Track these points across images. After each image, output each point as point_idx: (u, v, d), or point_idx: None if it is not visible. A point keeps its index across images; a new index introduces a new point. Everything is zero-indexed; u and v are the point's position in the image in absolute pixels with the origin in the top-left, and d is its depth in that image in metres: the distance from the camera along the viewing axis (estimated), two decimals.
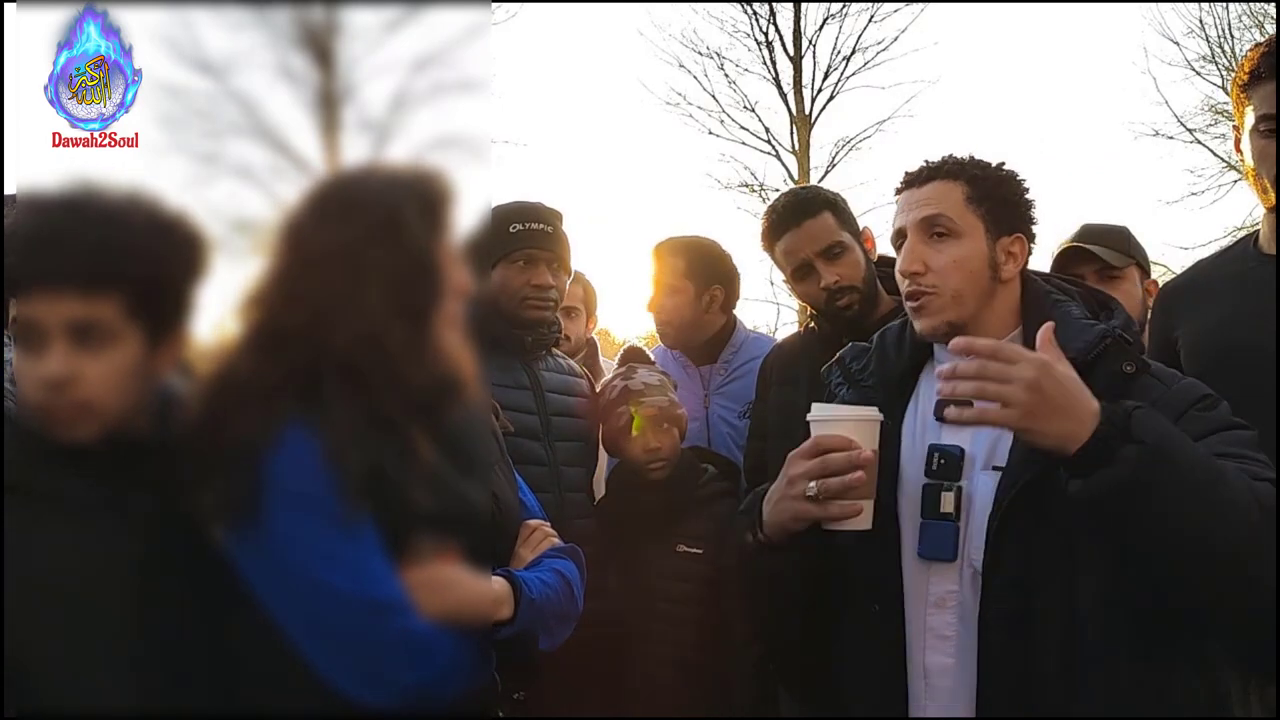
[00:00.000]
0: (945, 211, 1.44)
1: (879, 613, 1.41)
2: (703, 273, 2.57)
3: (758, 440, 2.28)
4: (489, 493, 1.37)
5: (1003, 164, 1.52)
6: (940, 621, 1.39)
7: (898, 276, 1.48)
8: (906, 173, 1.52)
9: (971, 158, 1.51)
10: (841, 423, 1.37)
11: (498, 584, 1.28)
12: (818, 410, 1.41)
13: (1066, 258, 2.32)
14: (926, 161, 1.52)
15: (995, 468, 1.38)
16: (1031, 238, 1.50)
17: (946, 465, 1.41)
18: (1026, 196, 1.51)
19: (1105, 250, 2.29)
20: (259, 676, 1.18)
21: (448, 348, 1.25)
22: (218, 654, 1.18)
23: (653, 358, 2.58)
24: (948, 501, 1.39)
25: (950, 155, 1.51)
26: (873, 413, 1.39)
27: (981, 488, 1.39)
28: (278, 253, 1.22)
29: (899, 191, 1.52)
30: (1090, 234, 2.40)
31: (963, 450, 1.41)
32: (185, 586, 1.18)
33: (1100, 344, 1.37)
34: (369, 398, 1.17)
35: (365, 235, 1.19)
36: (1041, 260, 2.50)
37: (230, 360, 1.21)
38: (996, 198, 1.47)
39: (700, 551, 2.10)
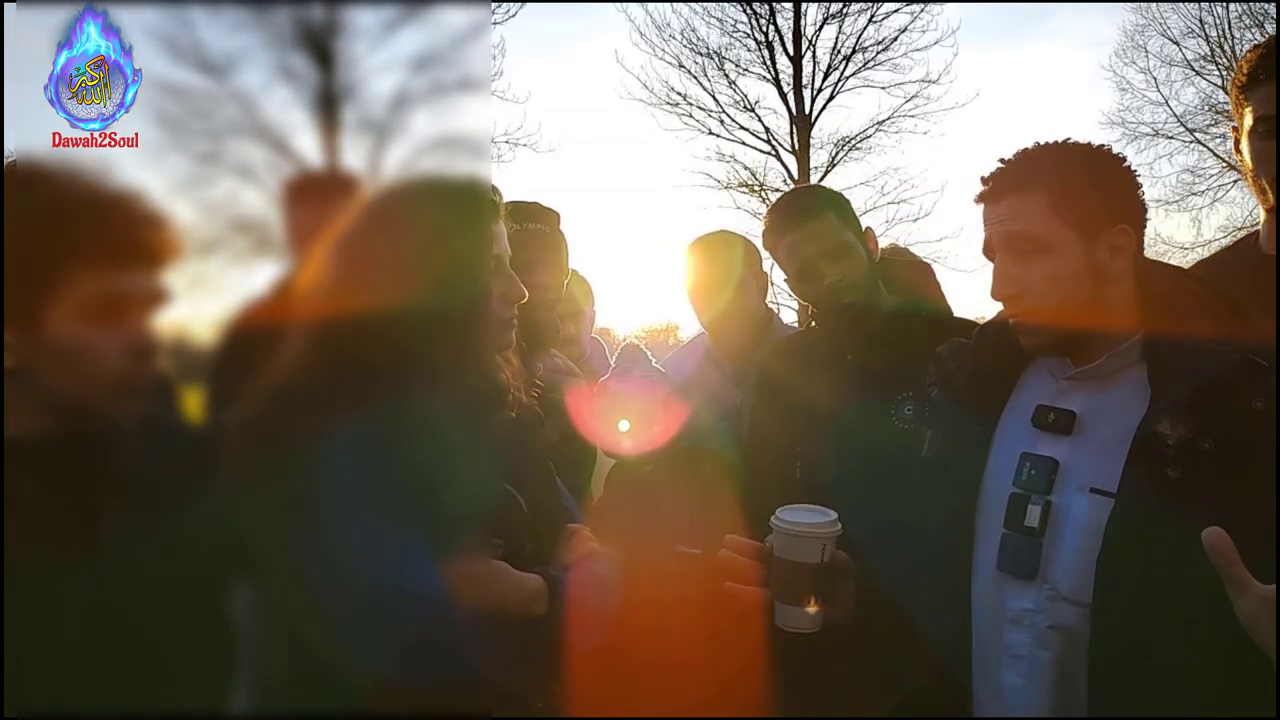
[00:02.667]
0: (1028, 227, 1.32)
1: (948, 626, 1.34)
2: (757, 265, 2.53)
3: (758, 441, 2.27)
4: (526, 494, 1.40)
5: (1090, 146, 1.37)
6: (1016, 640, 1.31)
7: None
8: (982, 179, 1.39)
9: (1052, 149, 1.37)
10: (789, 536, 1.41)
11: (534, 581, 1.32)
12: (777, 518, 1.43)
13: None
14: (1002, 162, 1.38)
15: (1097, 490, 1.28)
16: (1141, 221, 1.36)
17: (1037, 476, 1.32)
18: (1122, 179, 1.36)
19: None
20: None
21: (495, 353, 1.30)
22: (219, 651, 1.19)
23: (651, 358, 2.57)
24: (1033, 515, 1.30)
25: (1028, 152, 1.37)
26: (813, 528, 1.40)
27: (1077, 508, 1.29)
28: (328, 263, 1.25)
29: (977, 200, 1.40)
30: None
31: (1057, 462, 1.32)
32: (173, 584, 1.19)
33: (1230, 375, 1.24)
34: (419, 400, 1.20)
35: (415, 245, 1.23)
36: None
37: (285, 363, 1.23)
38: (1086, 196, 1.33)
39: (699, 552, 2.10)
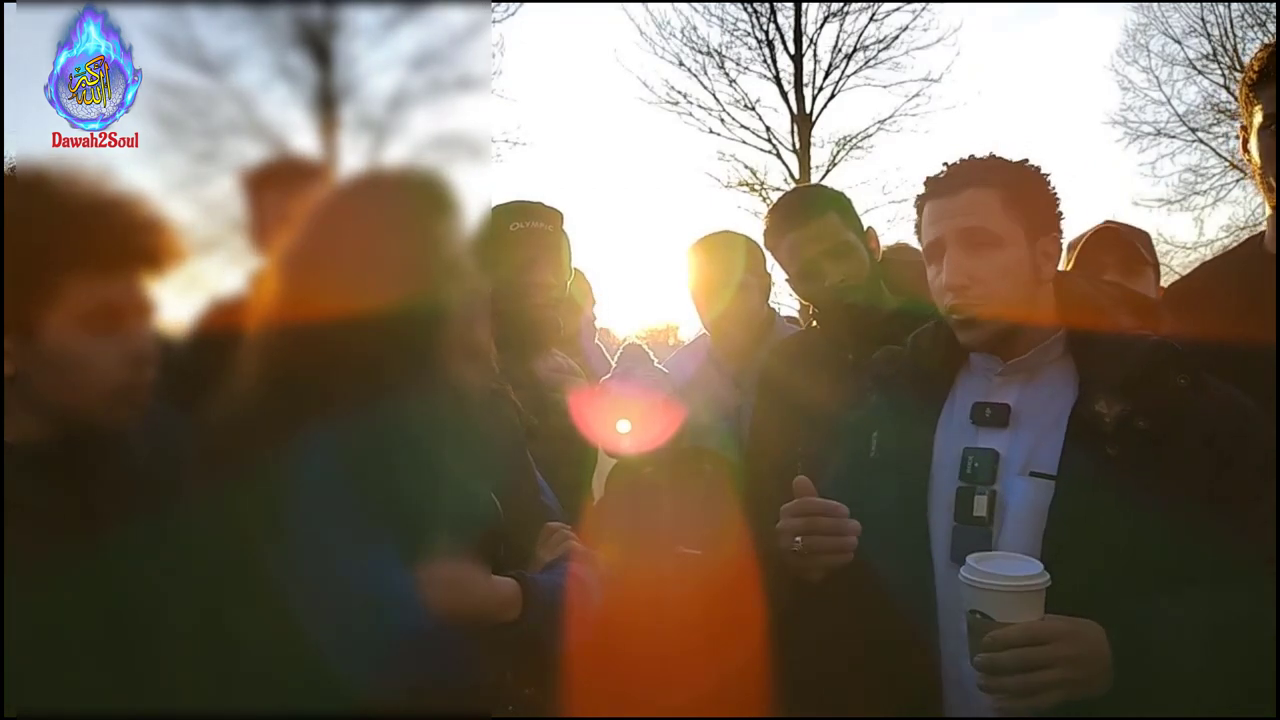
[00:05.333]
0: (985, 222, 1.40)
1: (912, 621, 1.38)
2: (760, 266, 2.52)
3: (760, 441, 2.27)
4: (502, 495, 1.38)
5: (1026, 160, 1.48)
6: None
7: (937, 291, 1.45)
8: (931, 180, 1.48)
9: (993, 157, 1.47)
10: (993, 592, 1.20)
11: (508, 585, 1.30)
12: (971, 568, 1.24)
13: (1097, 240, 2.35)
14: (945, 165, 1.47)
15: (1036, 474, 1.35)
16: (1061, 234, 1.48)
17: (980, 468, 1.39)
18: (1054, 192, 1.48)
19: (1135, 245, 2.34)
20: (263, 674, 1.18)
21: (460, 353, 1.26)
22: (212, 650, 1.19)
23: (654, 358, 2.56)
24: (980, 505, 1.37)
25: (972, 157, 1.47)
26: (1035, 580, 1.21)
27: (1018, 492, 1.36)
28: (280, 278, 1.22)
29: (925, 200, 1.48)
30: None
31: (998, 454, 1.39)
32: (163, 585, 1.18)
33: (1155, 357, 1.35)
34: (381, 407, 1.17)
35: (366, 248, 1.19)
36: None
37: (241, 379, 1.21)
38: (1032, 199, 1.44)
39: (699, 553, 2.09)
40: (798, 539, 1.35)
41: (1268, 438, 1.32)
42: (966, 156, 1.48)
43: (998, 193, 1.41)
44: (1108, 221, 2.49)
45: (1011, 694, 1.19)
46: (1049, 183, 1.48)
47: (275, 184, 1.74)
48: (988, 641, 1.19)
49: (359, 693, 1.11)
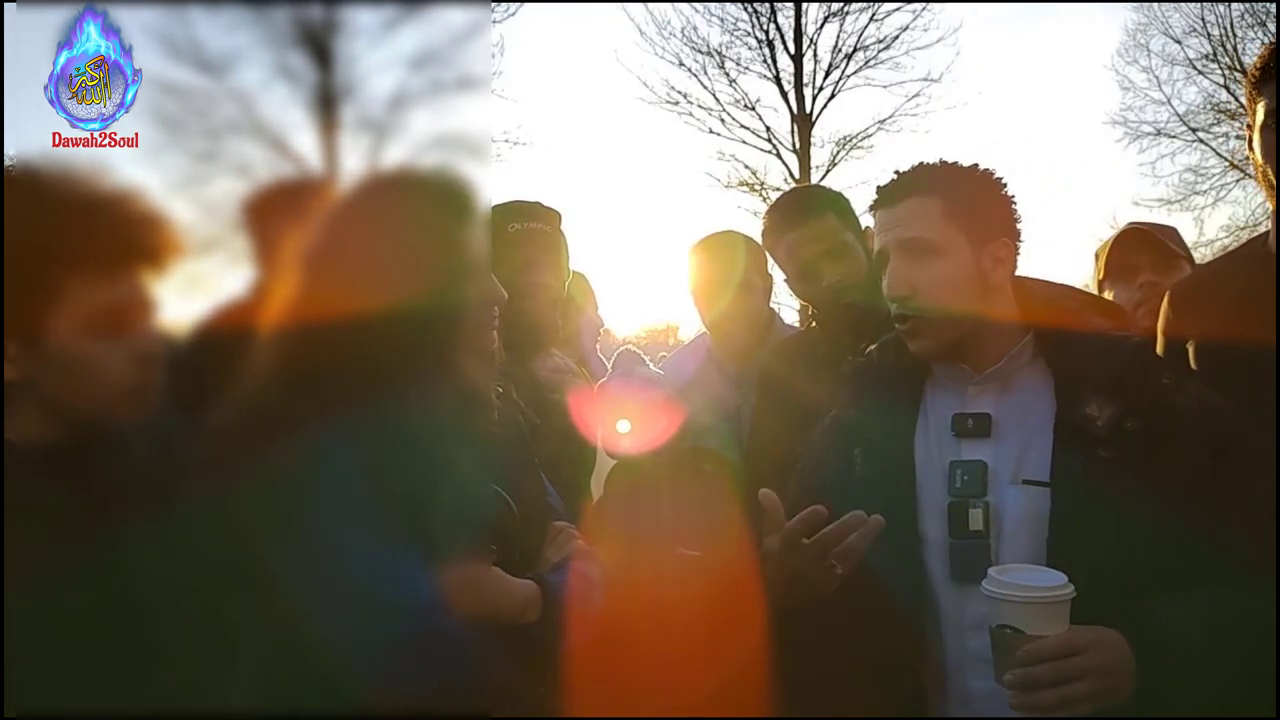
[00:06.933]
0: (924, 231, 1.40)
1: (913, 638, 1.38)
2: (762, 266, 2.51)
3: (760, 442, 2.27)
4: (515, 497, 1.38)
5: (976, 165, 1.48)
6: (979, 644, 1.30)
7: (888, 301, 1.44)
8: (878, 189, 1.47)
9: (943, 163, 1.47)
10: (1024, 605, 1.18)
11: (527, 587, 1.30)
12: (996, 581, 1.21)
13: (1125, 243, 2.37)
14: (896, 174, 1.47)
15: (1029, 481, 1.34)
16: (1018, 238, 1.46)
17: (970, 480, 1.37)
18: (1005, 196, 1.47)
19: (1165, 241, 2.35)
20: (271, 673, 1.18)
21: (472, 356, 1.26)
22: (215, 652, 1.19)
23: (648, 361, 2.56)
24: (976, 519, 1.35)
25: (921, 164, 1.47)
26: (1064, 590, 1.18)
27: (1013, 502, 1.35)
28: (293, 273, 1.22)
29: (873, 209, 1.48)
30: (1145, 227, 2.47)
31: (985, 464, 1.37)
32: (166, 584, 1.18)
33: (1139, 358, 1.35)
34: (394, 408, 1.17)
35: (380, 250, 1.19)
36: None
37: (253, 377, 1.20)
38: (976, 206, 1.43)
39: (699, 553, 2.09)
40: (834, 565, 1.30)
41: (1252, 435, 1.32)
42: (915, 164, 1.47)
43: (939, 200, 1.41)
44: (1133, 223, 2.49)
45: (1047, 709, 1.15)
46: (1000, 187, 1.47)
47: (281, 208, 1.72)
48: (1022, 656, 1.15)
49: (372, 693, 1.10)
